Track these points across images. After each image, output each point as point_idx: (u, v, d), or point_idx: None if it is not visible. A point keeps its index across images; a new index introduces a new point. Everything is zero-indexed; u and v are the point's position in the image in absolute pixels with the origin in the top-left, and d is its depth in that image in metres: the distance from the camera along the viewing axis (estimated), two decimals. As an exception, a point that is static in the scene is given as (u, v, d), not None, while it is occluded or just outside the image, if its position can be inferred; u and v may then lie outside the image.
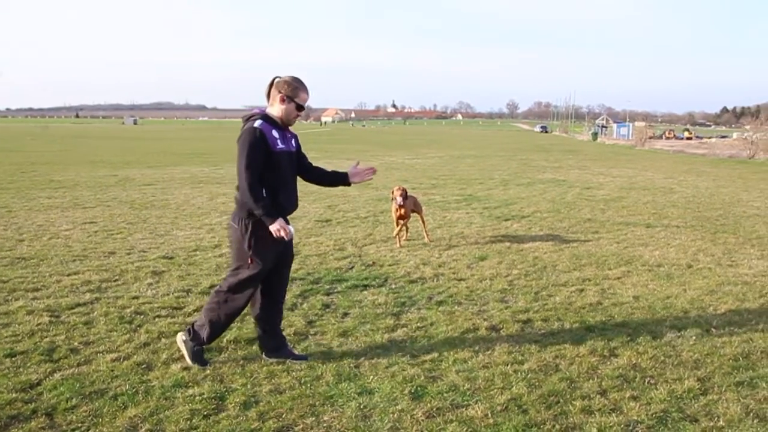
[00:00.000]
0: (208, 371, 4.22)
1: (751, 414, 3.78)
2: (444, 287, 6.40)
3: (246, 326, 5.11)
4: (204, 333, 4.33)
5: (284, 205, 4.27)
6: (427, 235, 8.77)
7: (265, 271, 4.26)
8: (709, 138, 75.75)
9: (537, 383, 4.14)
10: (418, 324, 5.26)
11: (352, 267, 7.18)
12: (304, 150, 4.56)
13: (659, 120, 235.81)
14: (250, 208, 4.10)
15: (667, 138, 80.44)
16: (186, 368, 4.27)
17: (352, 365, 4.39)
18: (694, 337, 5.08)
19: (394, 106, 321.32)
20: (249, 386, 4.03)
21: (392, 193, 8.44)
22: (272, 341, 4.49)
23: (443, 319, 5.39)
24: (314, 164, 4.65)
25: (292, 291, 6.12)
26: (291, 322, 5.23)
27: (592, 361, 4.52)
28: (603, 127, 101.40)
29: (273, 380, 4.12)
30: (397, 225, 8.41)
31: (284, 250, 4.42)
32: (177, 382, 4.06)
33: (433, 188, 14.78)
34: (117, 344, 4.69)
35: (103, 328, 5.03)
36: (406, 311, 5.62)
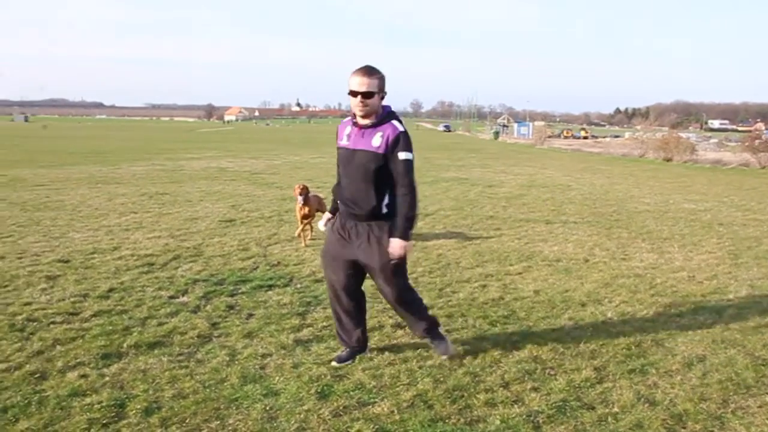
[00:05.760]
0: (107, 378, 4.07)
1: (642, 399, 3.98)
2: (350, 286, 6.40)
3: (147, 330, 4.96)
4: None
5: (342, 198, 4.29)
6: (333, 234, 8.77)
7: (327, 272, 4.48)
8: (604, 137, 79.13)
9: (442, 378, 4.20)
10: (324, 323, 5.24)
11: (257, 267, 7.09)
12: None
13: (557, 119, 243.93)
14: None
15: (565, 137, 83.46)
16: (83, 376, 4.10)
17: (257, 367, 4.34)
18: (590, 329, 5.29)
19: (298, 104, 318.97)
20: (151, 392, 3.91)
21: (294, 192, 8.42)
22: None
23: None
24: (400, 193, 4.06)
25: (195, 293, 5.99)
26: (194, 325, 5.11)
27: (495, 355, 4.63)
28: (504, 126, 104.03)
29: (176, 385, 4.02)
30: (302, 224, 8.37)
31: (346, 247, 4.28)
32: (74, 390, 3.89)
33: (339, 187, 14.78)
34: (7, 354, 4.44)
35: (-8, 336, 4.77)
36: (312, 311, 5.59)
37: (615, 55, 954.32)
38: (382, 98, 4.08)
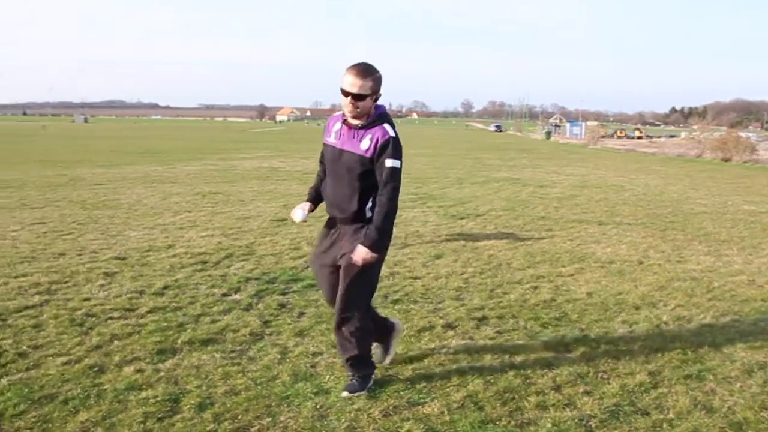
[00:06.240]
0: (162, 373, 4.16)
1: (699, 406, 3.88)
2: (399, 286, 6.42)
3: (200, 327, 5.05)
4: None
5: (326, 198, 4.10)
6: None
7: (313, 259, 4.29)
8: (659, 137, 77.27)
9: (492, 380, 4.17)
10: (375, 323, 5.25)
11: (308, 266, 7.14)
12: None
13: (611, 119, 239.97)
14: None
15: (619, 137, 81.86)
16: (139, 370, 4.19)
17: (308, 365, 4.37)
18: (645, 332, 5.19)
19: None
20: (204, 388, 3.98)
21: None
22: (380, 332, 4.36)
23: (399, 318, 5.39)
24: (378, 202, 3.85)
25: (248, 291, 6.07)
26: (246, 322, 5.18)
27: (546, 357, 4.58)
28: (556, 126, 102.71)
29: (228, 381, 4.08)
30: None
31: (329, 253, 4.07)
32: (130, 384, 3.99)
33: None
34: (67, 347, 4.58)
35: (53, 331, 4.91)
36: (363, 310, 5.60)
37: (671, 52, 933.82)
38: (376, 100, 3.81)
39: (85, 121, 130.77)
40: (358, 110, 3.76)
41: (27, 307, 5.45)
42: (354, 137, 3.84)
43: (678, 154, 37.37)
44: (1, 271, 6.62)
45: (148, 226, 9.51)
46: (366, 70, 3.73)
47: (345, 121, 3.88)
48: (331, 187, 4.01)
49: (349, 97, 3.71)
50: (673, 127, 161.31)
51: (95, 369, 4.21)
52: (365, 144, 3.80)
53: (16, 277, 6.39)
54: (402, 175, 3.88)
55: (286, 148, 36.37)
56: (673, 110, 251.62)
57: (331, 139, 3.96)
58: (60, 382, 3.99)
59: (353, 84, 3.68)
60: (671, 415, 3.75)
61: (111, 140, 43.95)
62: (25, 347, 4.56)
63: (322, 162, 4.21)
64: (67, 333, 4.88)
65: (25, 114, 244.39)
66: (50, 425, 3.47)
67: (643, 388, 4.11)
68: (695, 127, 45.32)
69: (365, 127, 3.82)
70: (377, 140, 3.78)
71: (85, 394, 3.85)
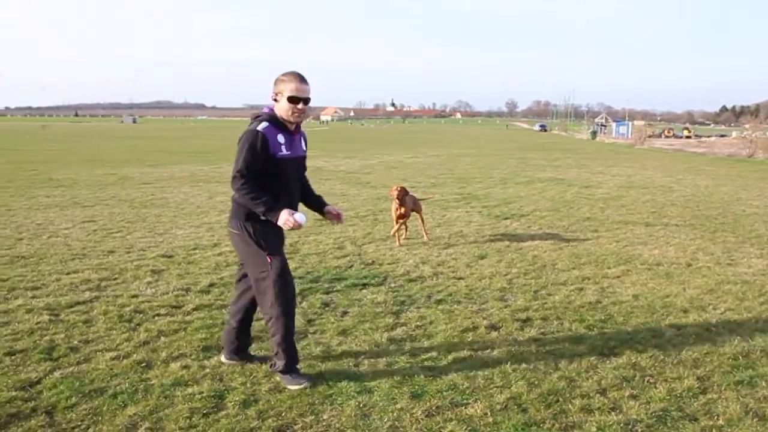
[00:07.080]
0: (207, 370, 4.22)
1: (751, 413, 3.78)
2: (443, 286, 6.40)
3: (245, 325, 5.10)
4: (281, 359, 4.08)
5: (284, 208, 3.96)
6: (426, 233, 8.76)
7: (284, 263, 4.07)
8: (708, 137, 75.63)
9: (536, 382, 4.14)
10: (418, 323, 5.26)
11: (352, 266, 7.18)
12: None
13: (658, 119, 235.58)
14: (249, 210, 3.94)
15: (666, 137, 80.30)
16: (185, 367, 4.27)
17: (351, 364, 4.39)
18: (693, 336, 5.08)
19: (393, 104, 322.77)
20: (248, 385, 4.03)
21: (391, 192, 8.45)
22: (241, 341, 4.37)
23: (442, 318, 5.39)
24: (309, 183, 4.51)
25: (292, 290, 6.12)
26: (290, 321, 5.22)
27: (591, 360, 4.52)
28: (602, 125, 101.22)
29: (272, 379, 4.12)
30: (397, 224, 8.41)
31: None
32: (176, 380, 4.06)
33: (432, 187, 14.76)
34: (116, 343, 4.69)
35: (103, 326, 5.03)
36: (406, 310, 5.62)
37: (721, 48, 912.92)
38: None
39: (134, 121, 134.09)
40: (304, 114, 4.05)
41: (78, 303, 5.60)
42: (297, 142, 4.14)
43: (728, 154, 36.49)
44: (54, 268, 6.80)
45: (195, 225, 9.67)
46: (305, 76, 4.00)
47: (286, 129, 4.03)
48: (290, 197, 4.19)
49: (301, 103, 3.96)
50: (723, 126, 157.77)
51: (143, 364, 4.30)
52: (303, 145, 4.25)
53: (68, 274, 6.56)
54: None
55: (330, 147, 36.57)
56: (724, 109, 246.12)
57: (285, 151, 4.01)
58: (109, 377, 4.09)
59: (304, 90, 3.96)
60: (721, 422, 3.67)
61: (158, 140, 44.76)
62: (76, 342, 4.68)
63: (253, 179, 3.90)
64: (116, 329, 4.99)
65: (76, 115, 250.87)
66: (100, 418, 3.55)
67: (691, 394, 4.02)
68: (747, 126, 44.13)
69: (298, 130, 4.13)
70: (305, 138, 4.28)
71: (133, 388, 3.93)
